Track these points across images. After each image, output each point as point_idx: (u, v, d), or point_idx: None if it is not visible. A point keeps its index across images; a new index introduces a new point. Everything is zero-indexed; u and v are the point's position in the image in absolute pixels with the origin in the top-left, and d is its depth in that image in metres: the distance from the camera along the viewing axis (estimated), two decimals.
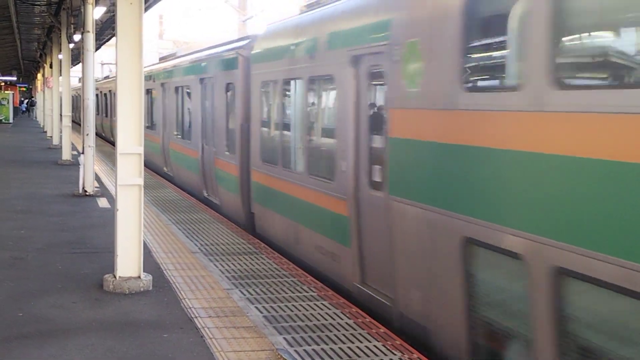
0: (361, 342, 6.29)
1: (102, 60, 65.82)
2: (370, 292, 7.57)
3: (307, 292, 7.84)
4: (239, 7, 37.13)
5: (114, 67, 12.61)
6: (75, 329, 6.44)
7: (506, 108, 5.20)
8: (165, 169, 19.38)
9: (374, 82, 7.62)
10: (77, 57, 34.94)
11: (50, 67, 30.90)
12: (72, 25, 20.52)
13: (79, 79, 33.32)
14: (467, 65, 5.74)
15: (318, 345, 6.21)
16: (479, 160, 5.50)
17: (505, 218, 5.18)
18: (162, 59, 23.59)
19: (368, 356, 5.99)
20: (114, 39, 8.33)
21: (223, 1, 37.48)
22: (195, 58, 16.72)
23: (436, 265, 6.15)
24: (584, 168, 4.43)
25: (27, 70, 59.30)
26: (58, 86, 30.20)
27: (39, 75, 47.13)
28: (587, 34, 4.80)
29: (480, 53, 5.87)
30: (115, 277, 7.72)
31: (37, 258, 9.14)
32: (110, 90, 33.88)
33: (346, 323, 6.79)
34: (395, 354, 6.03)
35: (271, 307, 7.26)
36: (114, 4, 8.47)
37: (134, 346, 6.05)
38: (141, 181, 7.75)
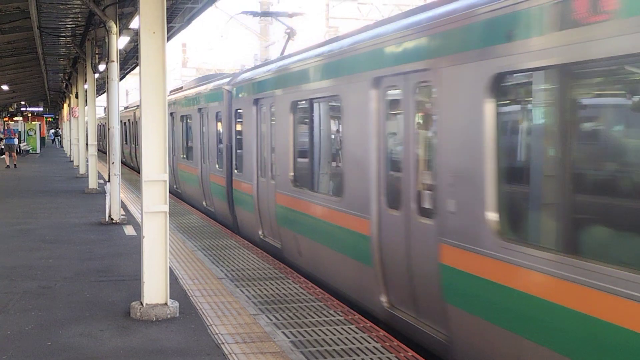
0: None
1: (127, 89, 66.63)
2: None
3: (334, 317, 7.79)
4: (260, 33, 37.45)
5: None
6: (103, 357, 6.45)
7: None
8: (204, 203, 17.83)
9: None
10: (102, 86, 35.45)
11: (76, 97, 31.33)
12: (96, 56, 20.87)
13: (104, 108, 33.74)
14: None
15: None
16: None
17: None
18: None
19: None
20: (137, 67, 8.44)
21: (244, 28, 37.86)
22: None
23: None
24: None
25: (53, 101, 60.17)
26: (84, 116, 30.59)
27: (65, 106, 47.78)
28: None
29: None
30: (142, 304, 7.74)
31: (65, 287, 9.20)
32: (129, 120, 34.46)
33: (374, 347, 6.74)
34: None
35: (298, 332, 7.23)
36: (137, 34, 8.58)
37: None
38: (166, 208, 7.79)
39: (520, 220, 5.86)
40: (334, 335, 7.12)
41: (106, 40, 15.71)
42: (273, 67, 12.50)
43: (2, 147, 37.49)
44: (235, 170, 14.61)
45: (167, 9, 7.90)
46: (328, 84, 9.41)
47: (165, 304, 7.77)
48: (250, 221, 13.51)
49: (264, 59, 31.38)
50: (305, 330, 7.27)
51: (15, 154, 34.94)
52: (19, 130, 49.67)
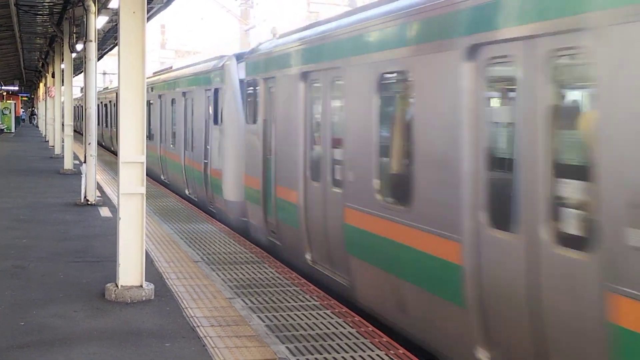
0: (364, 351, 6.28)
1: (104, 70, 65.91)
2: None
3: (310, 301, 7.82)
4: (241, 16, 37.23)
5: (115, 78, 12.45)
6: (77, 338, 6.43)
7: None
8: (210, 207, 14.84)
9: None
10: (79, 66, 35.02)
11: (53, 76, 30.96)
12: (74, 35, 20.61)
13: (81, 88, 33.35)
14: None
15: (320, 354, 6.19)
16: None
17: None
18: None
19: None
20: (116, 48, 8.37)
21: (225, 11, 37.61)
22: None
23: None
24: None
25: (29, 80, 59.39)
26: (60, 96, 30.27)
27: (41, 85, 47.20)
28: None
29: None
30: (117, 286, 7.71)
31: (39, 267, 9.14)
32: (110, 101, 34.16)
33: (348, 332, 6.78)
34: None
35: (273, 316, 7.25)
36: (116, 14, 8.50)
37: (136, 355, 6.04)
38: (143, 190, 7.75)
39: None
40: (310, 320, 7.15)
41: (84, 20, 15.53)
42: (339, 24, 8.84)
43: None
44: None
45: None
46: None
47: (141, 286, 7.74)
48: (292, 239, 10.08)
49: (245, 43, 31.20)
50: (281, 315, 7.29)
51: None
52: None
